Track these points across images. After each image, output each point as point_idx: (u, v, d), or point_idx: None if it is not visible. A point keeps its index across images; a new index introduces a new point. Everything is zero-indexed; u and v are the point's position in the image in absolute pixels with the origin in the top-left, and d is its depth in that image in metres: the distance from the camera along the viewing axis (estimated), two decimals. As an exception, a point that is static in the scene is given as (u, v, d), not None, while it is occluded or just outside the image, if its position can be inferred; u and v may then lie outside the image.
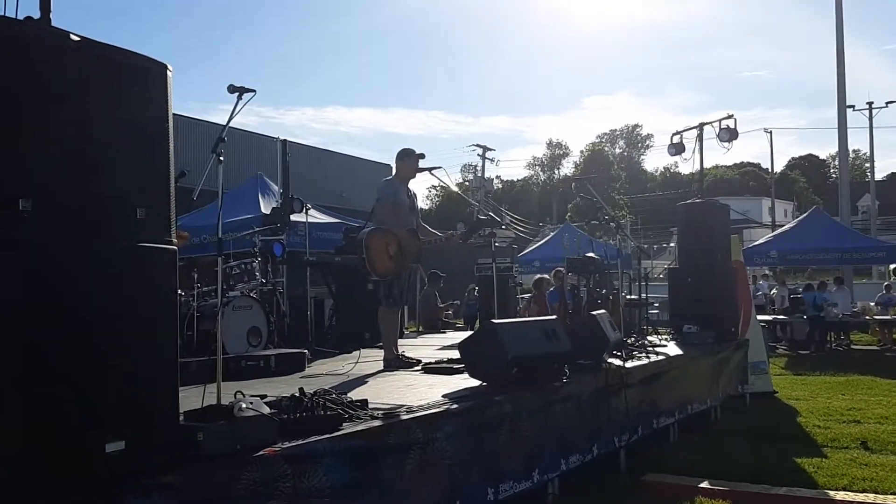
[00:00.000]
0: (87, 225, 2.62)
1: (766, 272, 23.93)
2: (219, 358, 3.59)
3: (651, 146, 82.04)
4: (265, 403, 3.39)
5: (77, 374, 2.52)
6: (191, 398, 3.31)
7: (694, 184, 13.16)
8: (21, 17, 2.70)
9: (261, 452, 3.04)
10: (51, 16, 2.84)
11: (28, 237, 2.45)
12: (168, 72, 3.01)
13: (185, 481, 2.75)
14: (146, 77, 2.93)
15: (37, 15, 2.80)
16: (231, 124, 3.93)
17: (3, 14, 2.66)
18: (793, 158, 79.14)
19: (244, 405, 3.18)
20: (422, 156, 6.64)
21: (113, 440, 2.61)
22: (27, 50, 2.55)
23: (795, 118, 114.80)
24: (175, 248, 2.97)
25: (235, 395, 3.31)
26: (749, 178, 72.90)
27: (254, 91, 3.84)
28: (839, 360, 14.29)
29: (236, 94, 3.86)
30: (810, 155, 78.92)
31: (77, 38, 2.69)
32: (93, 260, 2.62)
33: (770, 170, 49.94)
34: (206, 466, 2.86)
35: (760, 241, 20.46)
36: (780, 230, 21.10)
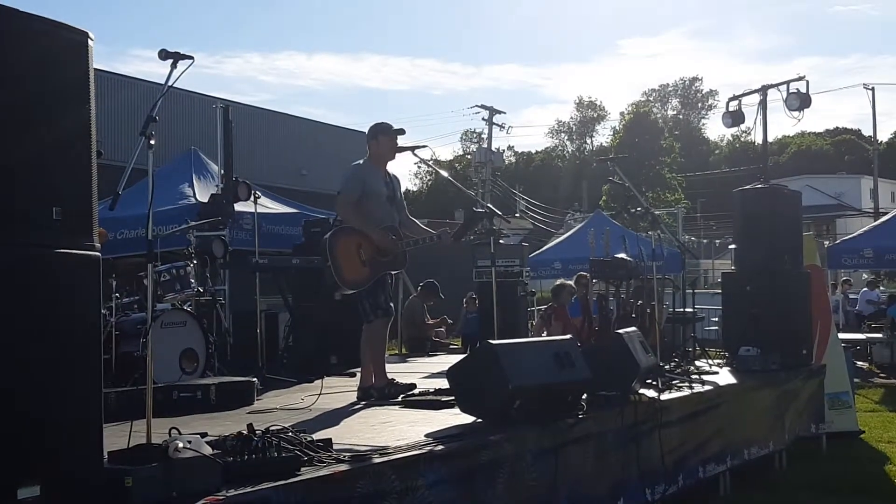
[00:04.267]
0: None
1: (864, 276, 24.10)
2: (149, 387, 3.92)
3: (715, 106, 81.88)
4: (206, 443, 3.71)
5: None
6: (115, 436, 3.64)
7: (769, 158, 13.37)
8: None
9: (201, 502, 3.36)
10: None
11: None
12: (90, 41, 3.34)
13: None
14: (64, 48, 3.25)
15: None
16: (153, 79, 4.22)
17: None
18: (905, 122, 79.07)
19: (181, 445, 3.50)
20: (401, 131, 6.88)
21: (27, 484, 2.94)
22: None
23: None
24: (98, 254, 3.30)
25: (170, 432, 3.63)
26: (845, 148, 73.23)
27: (191, 58, 4.16)
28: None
29: (169, 60, 4.19)
30: (929, 118, 78.49)
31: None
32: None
33: (873, 137, 49.90)
34: (136, 518, 3.19)
35: (854, 234, 20.50)
36: (879, 221, 21.11)
